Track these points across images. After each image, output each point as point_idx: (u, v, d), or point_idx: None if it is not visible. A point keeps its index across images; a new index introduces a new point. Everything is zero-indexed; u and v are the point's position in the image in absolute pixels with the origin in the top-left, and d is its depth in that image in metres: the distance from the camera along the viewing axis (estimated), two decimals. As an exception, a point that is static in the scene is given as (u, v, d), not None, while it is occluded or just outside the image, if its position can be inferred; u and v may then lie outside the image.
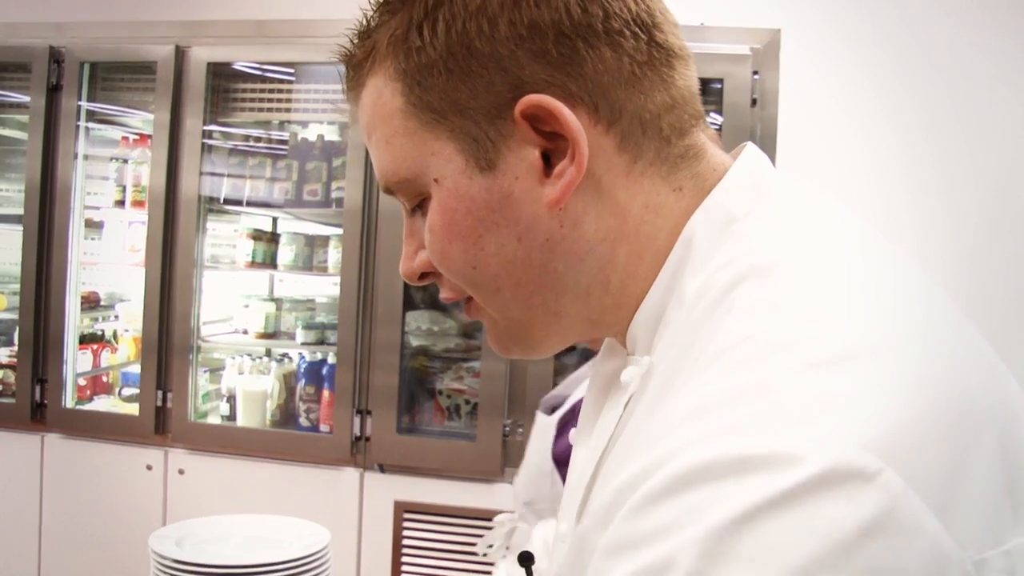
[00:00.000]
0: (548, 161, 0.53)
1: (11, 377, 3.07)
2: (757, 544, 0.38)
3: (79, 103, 2.98)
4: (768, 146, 2.51)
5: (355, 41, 0.58)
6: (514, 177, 0.54)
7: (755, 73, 2.51)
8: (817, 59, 2.58)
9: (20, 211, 3.00)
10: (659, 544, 0.39)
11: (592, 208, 0.54)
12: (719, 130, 2.47)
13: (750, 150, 0.58)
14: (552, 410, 1.71)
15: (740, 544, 0.38)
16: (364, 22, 0.57)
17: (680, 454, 0.41)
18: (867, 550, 0.37)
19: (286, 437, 2.79)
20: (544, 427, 1.68)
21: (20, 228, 2.99)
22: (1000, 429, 0.43)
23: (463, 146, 0.54)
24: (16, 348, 3.04)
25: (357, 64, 0.58)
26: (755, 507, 0.38)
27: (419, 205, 0.58)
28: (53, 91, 2.98)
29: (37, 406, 3.00)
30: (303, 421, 2.83)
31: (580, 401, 1.75)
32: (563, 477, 1.68)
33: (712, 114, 2.49)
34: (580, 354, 2.47)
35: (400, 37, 0.54)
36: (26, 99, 3.02)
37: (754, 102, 2.51)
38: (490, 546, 1.67)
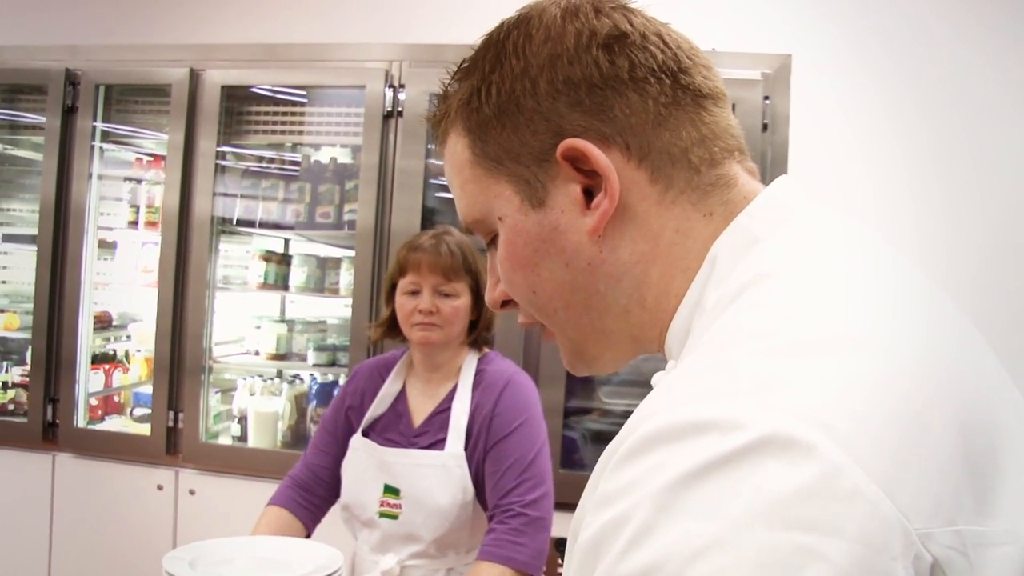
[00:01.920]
0: (590, 195, 0.61)
1: (23, 397, 3.09)
2: (701, 499, 0.42)
3: (94, 124, 3.01)
4: (778, 170, 2.52)
5: (437, 104, 0.69)
6: (560, 211, 0.62)
7: (766, 98, 2.53)
8: (828, 84, 2.59)
9: (35, 231, 3.03)
10: (622, 500, 0.44)
11: (627, 234, 0.61)
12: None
13: (782, 180, 0.63)
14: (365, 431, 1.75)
15: (687, 499, 0.42)
16: (443, 87, 0.68)
17: (647, 420, 0.46)
18: (804, 508, 0.40)
19: (297, 458, 2.78)
20: (435, 464, 1.67)
21: (34, 248, 3.01)
22: (968, 425, 0.46)
23: (518, 187, 0.63)
24: (29, 367, 3.05)
25: (437, 123, 0.68)
26: (701, 466, 0.42)
27: (492, 241, 0.67)
28: (68, 113, 3.02)
29: (49, 425, 3.01)
30: (314, 442, 2.83)
31: (382, 413, 1.75)
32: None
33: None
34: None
35: (465, 100, 0.64)
36: (42, 120, 3.05)
37: (765, 127, 2.53)
38: None
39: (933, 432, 0.44)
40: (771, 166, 2.52)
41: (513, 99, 0.62)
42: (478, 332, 1.76)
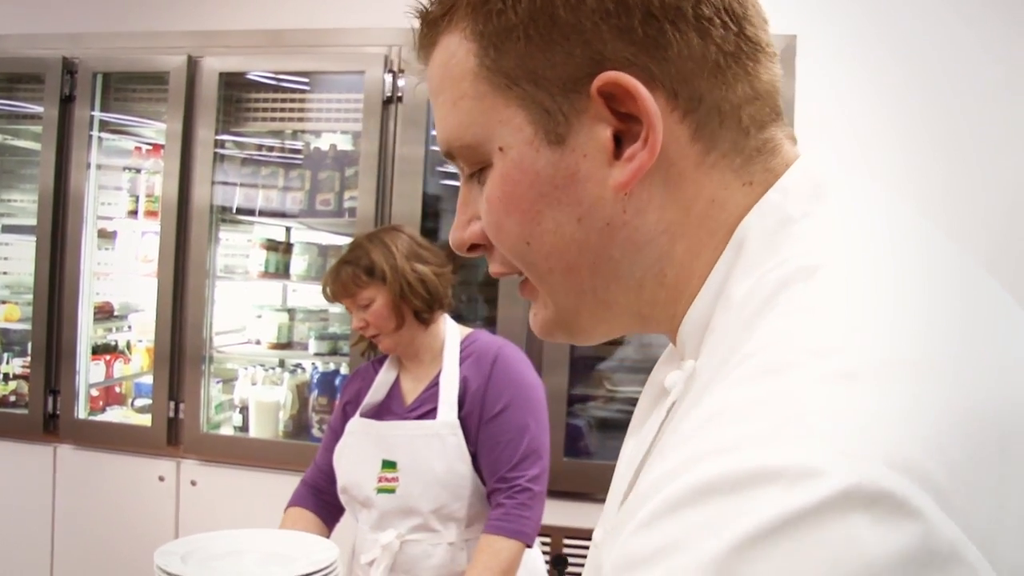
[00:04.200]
0: (619, 143, 0.52)
1: (24, 388, 3.07)
2: (770, 566, 0.34)
3: (92, 113, 2.99)
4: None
5: None
6: (583, 155, 0.52)
7: (771, 80, 2.49)
8: (832, 66, 2.55)
9: (34, 222, 3.01)
10: (662, 564, 0.36)
11: (657, 197, 0.52)
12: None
13: (817, 150, 0.55)
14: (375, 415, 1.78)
15: (751, 564, 0.34)
16: None
17: (692, 467, 0.38)
18: None
19: (299, 448, 2.77)
20: (429, 434, 1.69)
21: (34, 239, 2.99)
22: None
23: (533, 116, 0.52)
24: (29, 359, 3.03)
25: (432, 21, 0.56)
26: (767, 526, 0.34)
27: (478, 173, 0.56)
28: (66, 102, 2.99)
29: (50, 417, 3.00)
30: (316, 432, 2.81)
31: (378, 400, 1.77)
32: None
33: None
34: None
35: None
36: (40, 110, 3.02)
37: (770, 109, 2.49)
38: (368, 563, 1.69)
39: (1021, 467, 0.37)
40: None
41: (549, 8, 0.51)
42: (420, 303, 1.72)
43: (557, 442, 2.53)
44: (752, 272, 0.49)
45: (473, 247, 0.59)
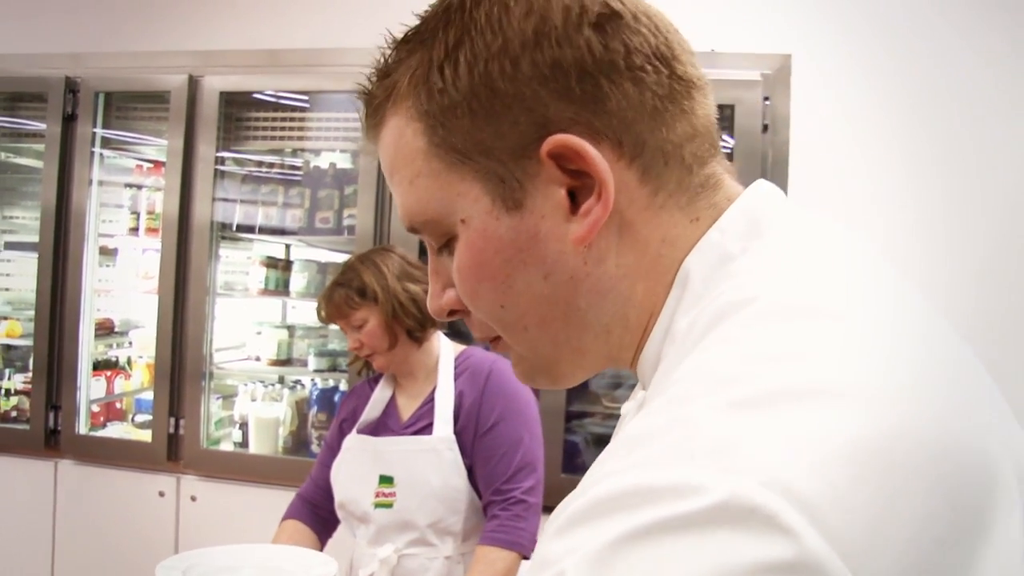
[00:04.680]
0: (574, 199, 0.53)
1: (26, 403, 3.09)
2: (642, 560, 0.37)
3: (94, 131, 3.01)
4: (780, 171, 2.50)
5: (374, 79, 0.58)
6: (540, 216, 0.54)
7: (766, 99, 2.52)
8: (829, 84, 2.58)
9: (36, 239, 3.03)
10: (557, 564, 0.40)
11: (614, 244, 0.54)
12: (730, 155, 2.47)
13: (757, 186, 0.57)
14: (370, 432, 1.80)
15: (626, 558, 0.37)
16: (383, 60, 0.57)
17: (595, 485, 0.41)
18: None
19: (298, 464, 2.78)
20: (425, 449, 1.71)
21: (35, 255, 3.01)
22: (954, 489, 0.40)
23: (489, 187, 0.54)
24: (31, 374, 3.05)
25: (377, 104, 0.57)
26: (647, 527, 0.37)
27: (446, 244, 0.58)
28: (68, 120, 3.02)
29: (51, 432, 3.01)
30: (315, 448, 2.82)
31: (375, 417, 1.79)
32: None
33: (724, 138, 2.49)
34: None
35: (421, 77, 0.54)
36: (43, 128, 3.05)
37: (765, 128, 2.51)
38: None
39: (914, 501, 0.39)
40: (772, 167, 2.50)
41: (488, 82, 0.52)
42: (412, 321, 1.75)
43: (555, 458, 2.54)
44: (693, 308, 0.52)
45: (452, 312, 0.61)
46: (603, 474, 0.42)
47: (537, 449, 1.73)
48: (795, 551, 0.36)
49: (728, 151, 2.49)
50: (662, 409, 0.44)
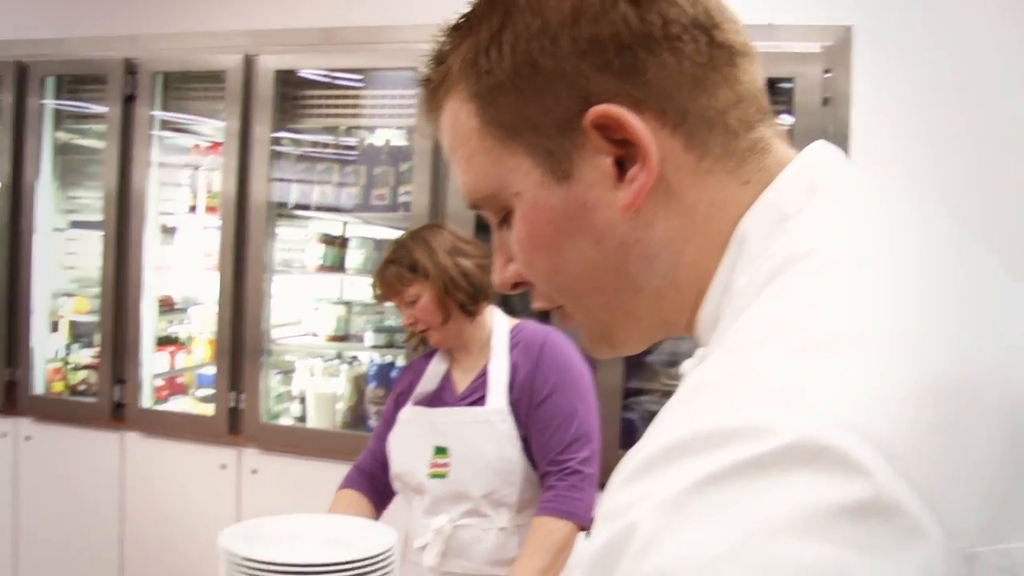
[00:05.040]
0: (621, 166, 0.56)
1: (93, 377, 3.19)
2: (717, 505, 0.37)
3: (153, 113, 3.07)
4: (840, 146, 2.44)
5: (430, 66, 0.61)
6: (589, 185, 0.56)
7: (826, 72, 2.47)
8: (891, 56, 2.51)
9: (98, 217, 3.12)
10: (631, 512, 0.40)
11: (662, 209, 0.56)
12: (790, 131, 2.43)
13: (814, 147, 0.58)
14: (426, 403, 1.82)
15: (701, 504, 0.38)
16: (437, 47, 0.61)
17: (664, 432, 0.42)
18: (834, 523, 0.36)
19: (356, 439, 2.83)
20: (479, 420, 1.73)
21: (100, 234, 3.10)
22: (1019, 428, 0.41)
23: (539, 160, 0.56)
24: (98, 349, 3.14)
25: (434, 88, 0.61)
26: (719, 471, 0.38)
27: (504, 219, 0.61)
28: (128, 101, 3.08)
29: (117, 406, 3.11)
30: (372, 423, 2.87)
31: (430, 389, 1.82)
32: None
33: (783, 115, 2.45)
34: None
35: (470, 61, 0.57)
36: (103, 110, 3.12)
37: (825, 101, 2.47)
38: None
39: (982, 438, 0.40)
40: (833, 142, 2.43)
41: (530, 60, 0.55)
42: (464, 296, 1.77)
43: (612, 434, 2.56)
44: (750, 266, 0.53)
45: (516, 285, 0.64)
46: (668, 423, 0.43)
47: (592, 420, 1.75)
48: (872, 490, 0.36)
49: (787, 127, 2.45)
50: (723, 358, 0.46)
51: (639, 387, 2.77)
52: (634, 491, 0.41)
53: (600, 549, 0.42)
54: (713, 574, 0.36)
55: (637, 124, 0.54)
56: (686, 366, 0.59)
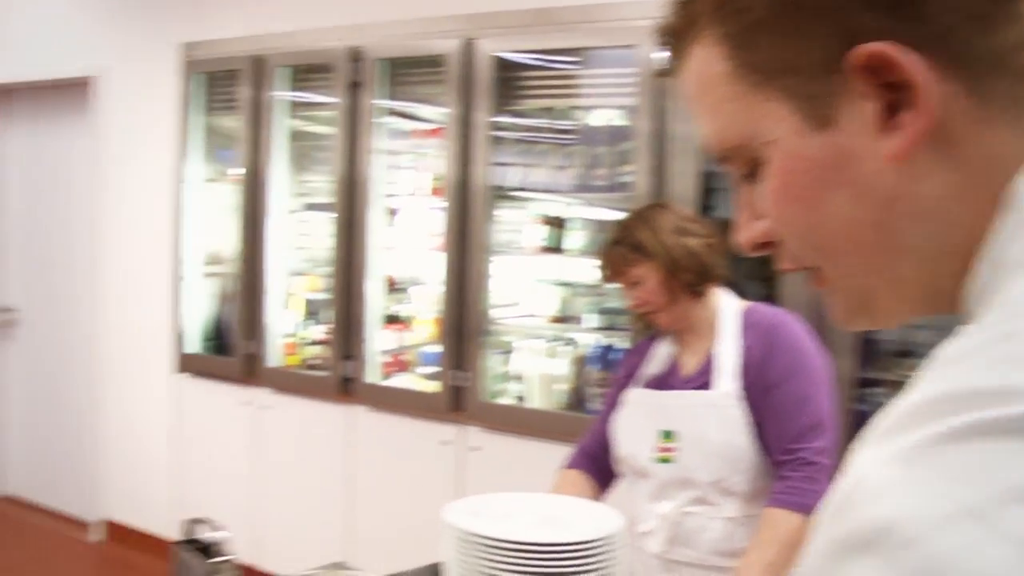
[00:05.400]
0: (887, 114, 0.49)
1: (324, 352, 3.39)
2: (955, 460, 0.35)
3: (374, 102, 3.19)
4: None
5: (672, 11, 0.57)
6: (851, 133, 0.50)
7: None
8: None
9: (325, 200, 3.29)
10: (861, 467, 0.39)
11: (934, 161, 0.49)
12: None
13: None
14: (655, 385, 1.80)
15: (937, 457, 0.36)
16: None
17: (910, 395, 0.40)
18: None
19: (576, 421, 2.84)
20: (707, 404, 1.69)
21: (325, 216, 3.28)
22: None
23: (796, 105, 0.51)
24: (331, 325, 3.34)
25: (679, 35, 0.57)
26: (964, 428, 0.36)
27: (751, 172, 0.56)
28: (353, 88, 3.21)
29: (345, 380, 3.29)
30: (592, 405, 2.88)
31: (657, 372, 1.79)
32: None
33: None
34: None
35: (721, 1, 0.53)
36: (330, 100, 3.28)
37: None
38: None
39: None
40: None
41: None
42: (691, 276, 1.72)
43: (844, 426, 2.43)
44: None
45: (759, 246, 0.58)
46: (922, 385, 0.41)
47: (827, 408, 1.67)
48: None
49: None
50: (986, 326, 0.42)
51: (874, 377, 2.61)
52: (874, 450, 0.39)
53: (832, 501, 0.40)
54: (940, 533, 0.34)
55: (913, 64, 0.47)
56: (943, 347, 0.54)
